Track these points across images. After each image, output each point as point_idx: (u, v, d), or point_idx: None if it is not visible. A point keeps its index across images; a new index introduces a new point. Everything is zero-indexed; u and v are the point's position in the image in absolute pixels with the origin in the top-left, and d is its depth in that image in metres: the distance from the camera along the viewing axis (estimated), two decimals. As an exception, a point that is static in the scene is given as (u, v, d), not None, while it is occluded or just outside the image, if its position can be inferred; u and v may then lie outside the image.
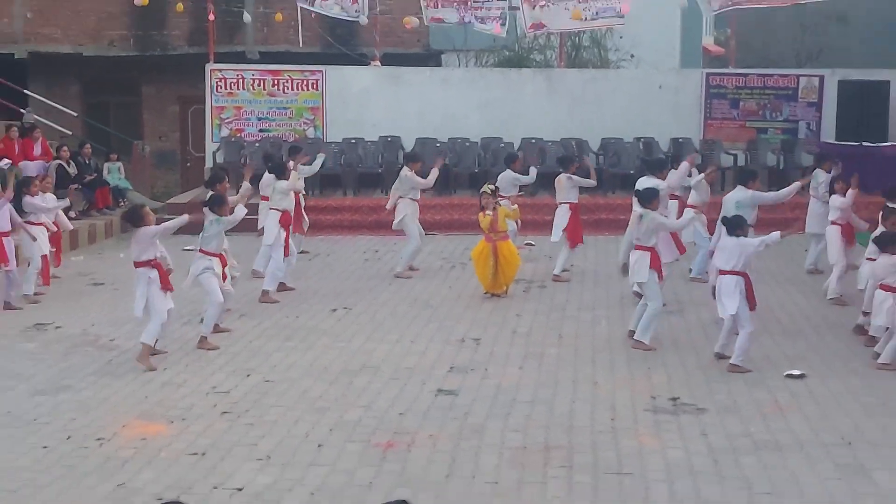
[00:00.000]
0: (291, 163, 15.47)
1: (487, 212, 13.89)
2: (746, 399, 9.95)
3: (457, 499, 7.69)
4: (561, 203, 15.35)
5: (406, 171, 15.60)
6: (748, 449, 8.67)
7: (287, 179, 14.57)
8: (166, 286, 11.12)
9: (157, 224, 11.34)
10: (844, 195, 13.63)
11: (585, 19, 23.11)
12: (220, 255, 12.08)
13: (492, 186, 14.45)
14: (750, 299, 10.91)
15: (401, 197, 15.50)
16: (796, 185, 14.11)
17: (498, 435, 9.02)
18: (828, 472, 8.19)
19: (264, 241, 14.28)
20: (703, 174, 14.75)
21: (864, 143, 19.81)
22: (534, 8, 21.40)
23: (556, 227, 15.29)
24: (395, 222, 15.56)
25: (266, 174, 15.40)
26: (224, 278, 12.19)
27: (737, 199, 13.21)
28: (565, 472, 8.21)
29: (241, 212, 12.09)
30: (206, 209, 12.14)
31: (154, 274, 11.07)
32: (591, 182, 15.54)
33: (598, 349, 11.76)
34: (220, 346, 11.89)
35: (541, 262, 16.31)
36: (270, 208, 14.38)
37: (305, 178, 16.56)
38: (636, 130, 21.06)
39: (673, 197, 14.53)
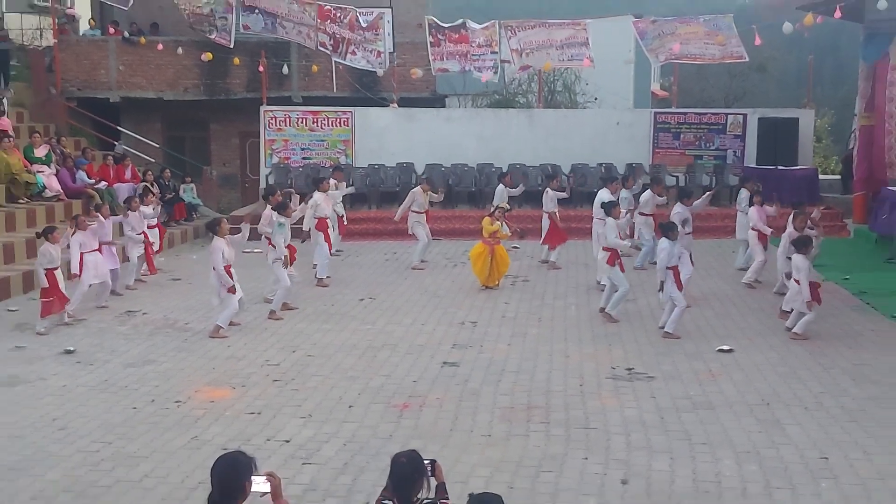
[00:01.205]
0: (333, 180, 15.65)
1: (497, 222, 13.91)
2: (686, 368, 9.94)
3: (458, 448, 7.70)
4: (544, 213, 15.64)
5: (417, 189, 15.86)
6: (688, 408, 8.67)
7: (322, 192, 14.75)
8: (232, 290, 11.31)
9: (229, 232, 11.63)
10: (762, 208, 13.70)
11: (554, 68, 23.27)
12: (289, 246, 12.31)
13: (506, 206, 14.65)
14: (678, 284, 11.07)
15: (410, 210, 15.79)
16: (707, 195, 14.63)
17: (490, 397, 9.03)
18: (751, 426, 8.19)
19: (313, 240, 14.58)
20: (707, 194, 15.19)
21: (779, 167, 19.80)
22: (521, 56, 21.49)
23: (544, 232, 15.80)
24: (409, 230, 15.97)
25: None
26: (292, 262, 12.65)
27: (677, 212, 13.24)
28: (544, 426, 8.23)
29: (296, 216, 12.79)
30: (273, 213, 12.60)
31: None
32: (565, 194, 15.94)
33: (569, 329, 11.76)
34: (283, 318, 12.22)
35: (524, 262, 16.28)
36: (315, 216, 14.56)
37: (343, 196, 16.88)
38: (599, 157, 21.05)
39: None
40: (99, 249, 12.72)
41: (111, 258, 13.31)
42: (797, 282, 10.98)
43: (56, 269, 11.49)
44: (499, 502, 3.89)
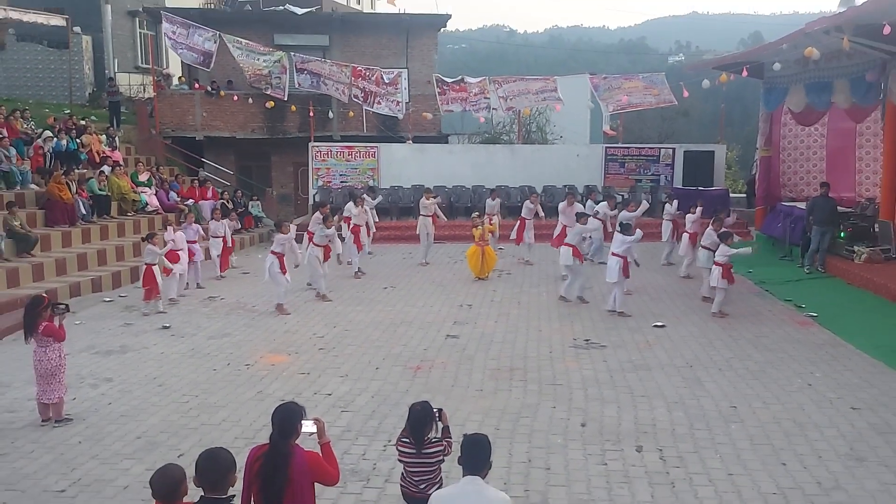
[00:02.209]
0: (367, 196, 15.65)
1: (477, 228, 13.95)
2: (629, 339, 9.94)
3: (458, 399, 7.70)
4: (521, 217, 15.82)
5: (423, 199, 16.02)
6: (631, 369, 8.67)
7: (357, 206, 14.91)
8: (283, 269, 11.44)
9: (292, 234, 11.90)
10: (691, 214, 13.89)
11: (532, 111, 23.22)
12: (324, 247, 12.51)
13: (476, 213, 14.73)
14: (625, 272, 11.15)
15: (420, 214, 15.92)
16: (643, 207, 14.37)
17: (482, 361, 9.03)
18: (678, 383, 8.19)
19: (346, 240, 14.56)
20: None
21: (699, 188, 19.77)
22: (506, 101, 21.50)
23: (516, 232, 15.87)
24: (416, 230, 16.13)
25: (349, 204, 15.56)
26: (327, 258, 12.67)
27: (625, 215, 13.30)
28: (522, 383, 8.22)
29: (331, 232, 12.53)
30: (319, 216, 12.85)
31: (276, 260, 11.44)
32: (541, 213, 16.08)
33: (541, 310, 11.74)
34: (332, 300, 12.34)
35: (507, 260, 16.25)
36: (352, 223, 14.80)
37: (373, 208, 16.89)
38: (563, 180, 20.98)
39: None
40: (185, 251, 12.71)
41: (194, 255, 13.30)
42: (718, 265, 10.98)
43: (154, 265, 11.50)
44: (485, 440, 3.90)
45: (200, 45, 20.76)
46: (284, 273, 11.51)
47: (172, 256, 12.20)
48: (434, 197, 16.22)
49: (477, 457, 3.77)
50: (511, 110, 22.67)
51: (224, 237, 14.62)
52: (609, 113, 23.39)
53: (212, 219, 14.83)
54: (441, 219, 16.48)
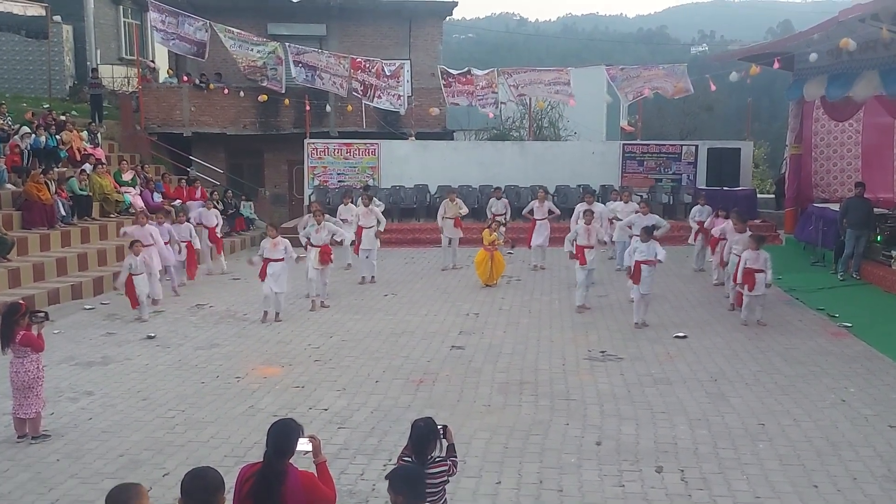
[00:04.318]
0: (364, 196, 15.62)
1: (494, 233, 13.97)
2: (649, 351, 9.92)
3: (464, 415, 7.69)
4: (535, 219, 15.93)
5: (447, 202, 15.91)
6: (650, 383, 8.65)
7: (360, 205, 15.06)
8: (263, 275, 11.62)
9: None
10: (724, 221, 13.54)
11: (545, 101, 23.23)
12: (322, 249, 12.50)
13: (501, 220, 14.75)
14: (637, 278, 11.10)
15: (443, 217, 15.83)
16: (664, 228, 13.31)
17: (490, 374, 9.01)
18: (701, 398, 8.16)
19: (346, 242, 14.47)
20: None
21: (724, 188, 19.76)
22: (517, 89, 21.49)
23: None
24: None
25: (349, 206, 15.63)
26: (326, 262, 12.60)
27: (634, 219, 13.33)
28: (533, 398, 8.21)
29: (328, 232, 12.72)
30: (303, 226, 13.04)
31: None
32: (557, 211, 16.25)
33: (553, 319, 11.73)
34: (330, 306, 12.47)
35: (517, 265, 16.27)
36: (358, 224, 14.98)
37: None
38: (577, 180, 21.01)
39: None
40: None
41: (169, 255, 13.45)
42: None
43: (138, 275, 11.55)
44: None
45: (192, 34, 20.86)
46: (263, 279, 11.55)
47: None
48: (459, 199, 16.12)
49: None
50: (523, 97, 22.64)
51: (213, 228, 14.89)
52: (628, 103, 23.23)
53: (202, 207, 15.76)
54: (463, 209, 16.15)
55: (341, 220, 15.12)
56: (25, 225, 14.33)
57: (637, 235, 11.51)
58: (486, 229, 14.12)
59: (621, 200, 15.66)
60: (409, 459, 4.35)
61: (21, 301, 7.68)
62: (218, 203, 19.01)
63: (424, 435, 4.33)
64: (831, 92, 14.26)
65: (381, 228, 15.20)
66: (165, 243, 13.38)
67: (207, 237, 15.72)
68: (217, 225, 16.08)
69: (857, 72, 13.67)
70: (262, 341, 10.52)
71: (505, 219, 16.44)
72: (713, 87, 20.10)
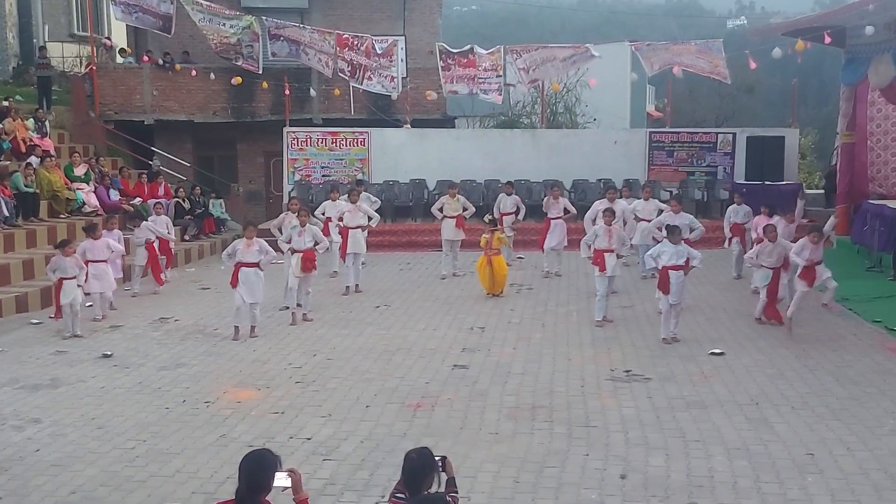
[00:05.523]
0: (354, 192, 15.50)
1: (485, 235, 14.00)
2: (680, 370, 9.91)
3: (468, 445, 7.68)
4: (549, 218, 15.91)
5: (446, 198, 15.95)
6: (682, 407, 8.64)
7: (350, 202, 14.90)
8: (235, 282, 11.56)
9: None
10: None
11: (563, 85, 23.16)
12: (305, 254, 12.42)
13: (490, 216, 14.75)
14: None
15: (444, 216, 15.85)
16: (698, 231, 13.26)
17: (498, 398, 9.01)
18: (741, 424, 8.15)
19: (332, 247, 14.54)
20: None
21: (766, 182, 19.78)
22: (528, 73, 21.42)
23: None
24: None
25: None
26: (308, 269, 12.52)
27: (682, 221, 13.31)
28: (548, 424, 8.20)
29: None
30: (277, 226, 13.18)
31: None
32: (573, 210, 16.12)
33: (570, 334, 11.73)
34: (314, 319, 12.50)
35: (528, 271, 16.28)
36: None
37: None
38: (598, 174, 21.04)
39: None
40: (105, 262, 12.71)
41: (114, 271, 13.26)
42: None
43: (70, 278, 11.56)
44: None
45: (156, 6, 20.93)
46: (235, 286, 11.53)
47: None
48: (460, 195, 16.15)
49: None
50: (535, 83, 22.57)
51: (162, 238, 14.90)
52: (653, 72, 22.75)
53: (149, 215, 15.44)
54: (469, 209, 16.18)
55: (325, 217, 15.11)
56: (-37, 227, 14.38)
57: (666, 238, 11.47)
58: (484, 235, 14.13)
59: (641, 198, 15.70)
60: (403, 497, 4.35)
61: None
62: (184, 201, 19.13)
63: (418, 468, 4.32)
64: None
65: (374, 224, 15.21)
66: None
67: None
68: (168, 231, 15.51)
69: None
70: (236, 360, 10.52)
71: (517, 218, 16.48)
72: (753, 65, 20.12)
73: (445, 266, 15.92)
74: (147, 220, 15.12)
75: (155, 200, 17.76)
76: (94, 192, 17.89)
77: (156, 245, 14.82)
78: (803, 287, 11.14)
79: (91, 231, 12.83)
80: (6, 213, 15.12)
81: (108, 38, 27.00)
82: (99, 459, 7.42)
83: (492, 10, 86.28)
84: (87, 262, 12.19)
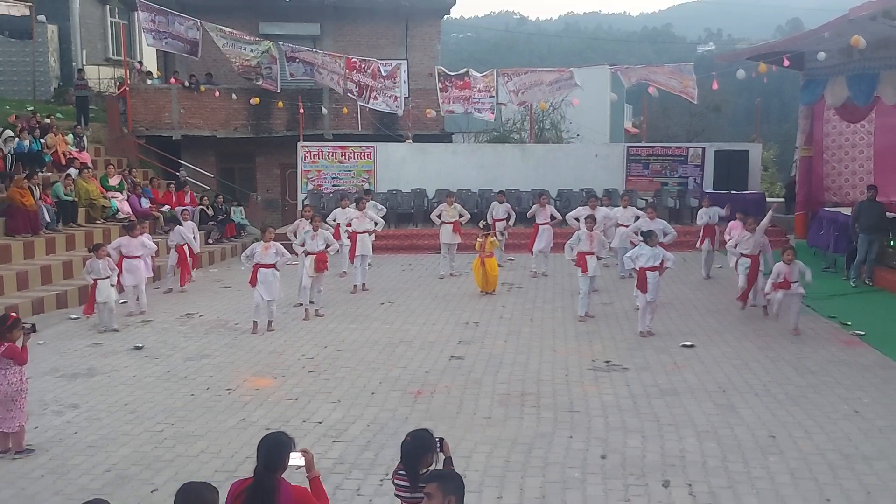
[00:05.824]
0: (362, 201, 15.54)
1: (478, 238, 13.99)
2: (655, 361, 9.92)
3: (463, 428, 7.68)
4: (536, 223, 15.92)
5: (444, 206, 15.92)
6: (656, 394, 8.64)
7: (358, 209, 14.91)
8: (254, 281, 11.53)
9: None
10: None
11: (548, 104, 23.18)
12: (317, 255, 12.50)
13: (484, 222, 14.74)
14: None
15: (442, 222, 15.80)
16: (671, 236, 13.31)
17: (490, 385, 9.01)
18: (710, 409, 8.15)
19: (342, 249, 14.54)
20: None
21: (732, 192, 19.78)
22: (517, 95, 21.44)
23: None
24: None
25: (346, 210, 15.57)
26: (321, 269, 12.59)
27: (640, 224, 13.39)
28: (535, 410, 8.20)
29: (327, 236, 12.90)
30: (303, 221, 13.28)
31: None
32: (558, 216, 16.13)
33: (556, 328, 11.73)
34: (325, 315, 12.44)
35: (518, 271, 16.28)
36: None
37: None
38: (580, 183, 21.05)
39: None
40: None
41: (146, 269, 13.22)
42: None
43: (104, 278, 11.58)
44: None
45: (184, 32, 20.91)
46: (254, 285, 11.52)
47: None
48: (457, 203, 16.13)
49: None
50: (523, 105, 22.66)
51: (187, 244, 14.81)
52: (629, 84, 22.78)
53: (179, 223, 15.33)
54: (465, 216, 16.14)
55: (335, 223, 15.11)
56: (9, 231, 14.35)
57: (642, 241, 11.49)
58: (480, 238, 14.14)
59: (620, 206, 15.77)
60: (403, 474, 4.34)
61: (13, 313, 7.67)
62: (208, 208, 19.13)
63: (414, 449, 4.30)
64: (858, 98, 14.25)
65: (380, 229, 15.24)
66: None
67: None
68: (194, 237, 15.32)
69: (873, 72, 13.69)
70: (254, 352, 10.51)
71: (508, 224, 16.49)
72: (715, 86, 20.17)
73: (443, 267, 15.96)
74: (181, 226, 15.12)
75: (182, 208, 17.77)
76: (127, 200, 17.89)
77: (185, 248, 14.80)
78: (779, 295, 11.13)
79: (130, 229, 13.14)
80: (48, 219, 15.13)
81: (140, 62, 27.02)
82: (131, 441, 7.41)
83: (486, 37, 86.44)
84: (122, 258, 12.41)
